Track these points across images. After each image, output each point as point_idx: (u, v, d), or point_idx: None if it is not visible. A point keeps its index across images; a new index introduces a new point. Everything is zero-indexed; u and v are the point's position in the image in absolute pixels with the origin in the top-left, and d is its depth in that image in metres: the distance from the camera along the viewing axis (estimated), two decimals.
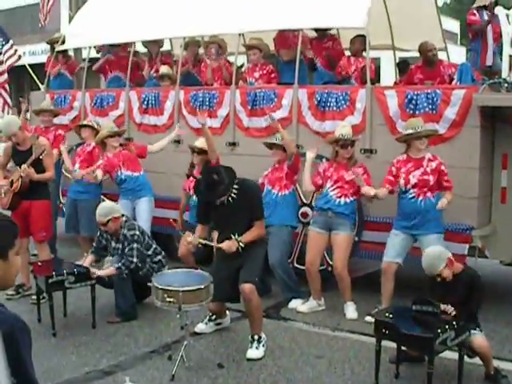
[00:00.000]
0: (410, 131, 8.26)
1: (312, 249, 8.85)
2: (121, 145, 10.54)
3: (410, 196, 8.21)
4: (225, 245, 7.20)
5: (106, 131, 10.40)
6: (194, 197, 8.96)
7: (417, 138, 8.23)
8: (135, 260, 8.46)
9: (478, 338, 6.54)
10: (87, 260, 8.84)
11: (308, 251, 8.89)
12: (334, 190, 8.77)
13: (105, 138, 10.38)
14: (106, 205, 8.83)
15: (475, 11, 11.29)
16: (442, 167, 8.17)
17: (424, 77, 10.43)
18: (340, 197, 8.72)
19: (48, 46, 14.23)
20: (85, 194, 10.82)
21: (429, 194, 8.18)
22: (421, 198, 8.17)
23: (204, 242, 7.43)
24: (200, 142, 9.69)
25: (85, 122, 11.16)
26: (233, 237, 7.20)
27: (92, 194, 10.82)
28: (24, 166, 8.99)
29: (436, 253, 6.71)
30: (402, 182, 8.27)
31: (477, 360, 6.73)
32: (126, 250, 8.51)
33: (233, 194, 7.17)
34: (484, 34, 11.05)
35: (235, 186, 7.19)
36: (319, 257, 8.93)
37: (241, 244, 7.18)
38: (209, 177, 7.09)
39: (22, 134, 9.26)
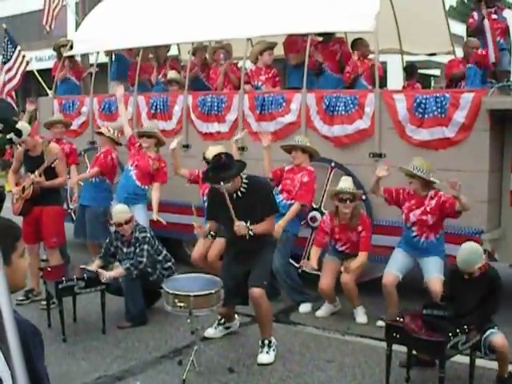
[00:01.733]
0: (418, 173, 8.00)
1: (327, 273, 8.82)
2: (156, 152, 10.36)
3: (413, 234, 8.20)
4: (236, 226, 7.09)
5: (145, 127, 10.56)
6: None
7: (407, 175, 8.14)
8: (144, 260, 8.48)
9: (499, 338, 6.51)
10: (94, 265, 8.82)
11: (323, 275, 8.84)
12: (346, 249, 8.86)
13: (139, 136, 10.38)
14: (122, 207, 8.90)
15: (474, 13, 11.35)
16: (443, 198, 7.98)
17: (464, 68, 10.44)
18: (352, 251, 8.80)
19: (55, 52, 14.24)
20: (94, 201, 10.70)
21: (431, 235, 8.12)
22: (423, 239, 8.14)
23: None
24: (213, 151, 9.48)
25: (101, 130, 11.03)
26: (244, 223, 7.13)
27: (99, 202, 10.65)
28: (35, 174, 9.01)
29: (477, 250, 6.64)
30: (403, 216, 8.26)
31: (487, 363, 6.73)
32: (137, 250, 8.53)
33: (242, 189, 7.15)
34: (483, 32, 11.07)
35: (245, 181, 7.17)
36: (334, 280, 8.83)
37: (250, 232, 7.10)
38: (218, 158, 7.07)
39: (32, 141, 9.28)
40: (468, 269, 6.57)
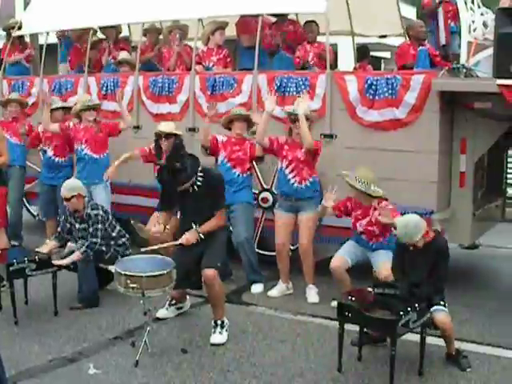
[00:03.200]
0: (355, 183, 7.81)
1: (281, 230, 8.90)
2: (95, 120, 10.35)
3: (363, 239, 8.10)
4: (184, 239, 7.21)
5: (79, 105, 10.27)
6: None
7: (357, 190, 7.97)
8: (99, 240, 8.45)
9: (441, 314, 6.62)
10: (49, 245, 8.74)
11: (277, 233, 8.92)
12: (290, 172, 8.80)
13: (79, 111, 10.26)
14: (71, 181, 8.89)
15: None
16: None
17: (416, 53, 10.42)
18: (300, 182, 8.77)
19: (3, 32, 14.04)
20: (61, 179, 10.30)
21: (380, 239, 8.02)
22: (372, 243, 8.06)
23: (163, 245, 7.48)
24: (165, 126, 9.49)
25: (58, 105, 10.95)
26: (194, 226, 7.20)
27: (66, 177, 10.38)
28: None
29: (416, 222, 6.68)
30: (351, 224, 8.17)
31: (438, 341, 6.84)
32: (91, 230, 8.49)
33: (198, 183, 7.17)
34: (436, 14, 11.12)
35: (200, 174, 7.18)
36: (289, 238, 8.94)
37: (200, 235, 7.20)
38: (171, 164, 7.07)
39: None
40: (410, 241, 6.65)
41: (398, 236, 6.75)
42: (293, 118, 8.74)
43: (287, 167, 8.84)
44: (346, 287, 8.02)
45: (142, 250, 7.49)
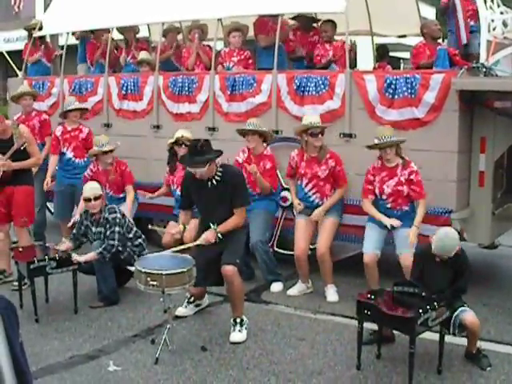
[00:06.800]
0: (376, 141, 8.17)
1: (301, 237, 8.88)
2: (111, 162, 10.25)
3: (387, 206, 8.22)
4: (203, 239, 7.24)
5: (96, 149, 10.13)
6: (178, 191, 8.86)
7: (382, 148, 8.20)
8: (116, 243, 8.48)
9: (470, 315, 6.62)
10: (63, 246, 8.80)
11: (297, 239, 8.91)
12: (311, 189, 8.87)
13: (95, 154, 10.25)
14: (95, 182, 8.99)
15: None
16: (412, 176, 8.07)
17: (431, 53, 10.40)
18: (322, 198, 8.84)
19: (24, 33, 14.13)
20: (81, 179, 10.48)
21: (404, 204, 8.18)
22: (396, 210, 8.19)
23: (183, 246, 7.50)
24: (185, 132, 9.54)
25: (72, 107, 10.97)
26: (212, 226, 7.23)
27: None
28: (1, 157, 8.94)
29: (455, 236, 6.70)
30: (376, 191, 8.27)
31: (456, 340, 6.84)
32: (108, 232, 8.53)
33: (217, 177, 7.20)
34: (454, 13, 11.05)
35: (220, 169, 7.22)
36: (308, 244, 8.94)
37: (219, 235, 7.22)
38: (195, 143, 7.16)
39: (2, 125, 9.13)
40: (445, 254, 6.61)
41: (435, 247, 6.66)
42: (312, 132, 8.73)
43: (307, 185, 8.91)
44: (373, 280, 8.21)
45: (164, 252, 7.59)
